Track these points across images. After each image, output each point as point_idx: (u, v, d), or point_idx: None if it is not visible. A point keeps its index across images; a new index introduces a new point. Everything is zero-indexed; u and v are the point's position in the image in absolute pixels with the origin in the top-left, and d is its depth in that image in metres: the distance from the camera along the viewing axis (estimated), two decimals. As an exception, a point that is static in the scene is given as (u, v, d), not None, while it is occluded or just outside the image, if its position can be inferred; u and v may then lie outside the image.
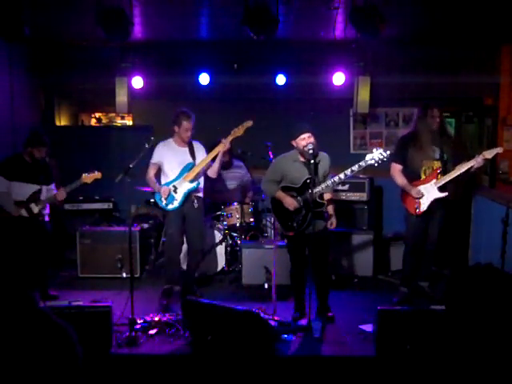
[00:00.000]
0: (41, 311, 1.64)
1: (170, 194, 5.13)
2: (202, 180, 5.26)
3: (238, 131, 5.06)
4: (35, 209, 4.98)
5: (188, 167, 5.16)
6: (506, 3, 4.85)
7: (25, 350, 1.54)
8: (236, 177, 6.51)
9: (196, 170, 5.12)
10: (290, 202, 4.54)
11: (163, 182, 5.20)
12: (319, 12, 5.17)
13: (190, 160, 5.20)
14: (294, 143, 4.51)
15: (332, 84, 6.56)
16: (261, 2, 4.44)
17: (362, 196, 6.13)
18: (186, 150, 5.22)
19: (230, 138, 5.07)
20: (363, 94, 6.41)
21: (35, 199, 4.99)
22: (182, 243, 5.40)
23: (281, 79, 6.59)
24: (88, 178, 5.04)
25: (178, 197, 5.14)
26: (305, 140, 4.39)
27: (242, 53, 6.38)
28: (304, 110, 6.62)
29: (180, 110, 5.13)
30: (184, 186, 5.14)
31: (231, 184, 6.50)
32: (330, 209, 4.64)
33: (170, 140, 5.24)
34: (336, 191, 5.96)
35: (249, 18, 4.48)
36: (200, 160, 5.19)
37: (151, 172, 5.21)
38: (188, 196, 5.14)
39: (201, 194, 5.27)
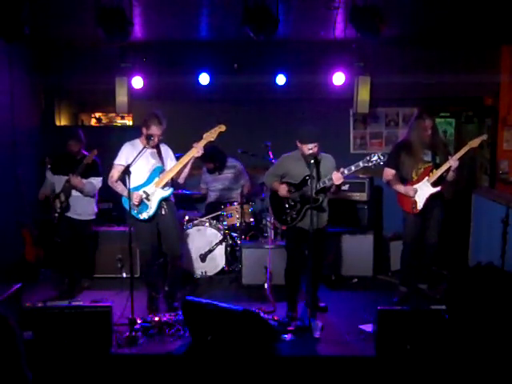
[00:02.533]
0: None
1: (142, 202, 4.80)
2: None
3: (211, 135, 4.75)
4: (62, 197, 5.42)
5: (157, 172, 4.84)
6: (506, 3, 4.85)
7: None
8: (228, 177, 6.53)
9: (167, 176, 4.81)
10: (283, 190, 4.64)
11: (130, 185, 4.69)
12: (319, 12, 5.16)
13: (159, 163, 4.88)
14: (298, 144, 4.60)
15: (332, 84, 6.55)
16: (261, 2, 4.43)
17: (362, 196, 6.13)
18: (154, 152, 4.88)
19: (202, 143, 4.73)
20: (363, 94, 6.41)
21: (64, 189, 5.42)
22: (158, 254, 5.09)
23: (281, 79, 6.59)
24: (88, 159, 5.30)
25: (152, 205, 4.81)
26: (311, 149, 4.49)
27: (242, 53, 6.38)
28: (304, 110, 6.62)
29: (153, 113, 4.78)
30: (157, 194, 4.81)
31: (224, 185, 6.52)
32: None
33: (137, 141, 4.89)
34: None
35: (249, 18, 4.47)
36: (169, 164, 4.92)
37: (116, 175, 4.79)
38: (160, 203, 4.85)
39: (172, 198, 4.97)
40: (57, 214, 5.45)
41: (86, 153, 5.50)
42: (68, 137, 5.50)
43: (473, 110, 7.55)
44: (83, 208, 5.53)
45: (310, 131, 4.57)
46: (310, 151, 4.48)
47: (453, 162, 4.83)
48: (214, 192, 6.60)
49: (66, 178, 5.40)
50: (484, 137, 4.91)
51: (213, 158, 6.39)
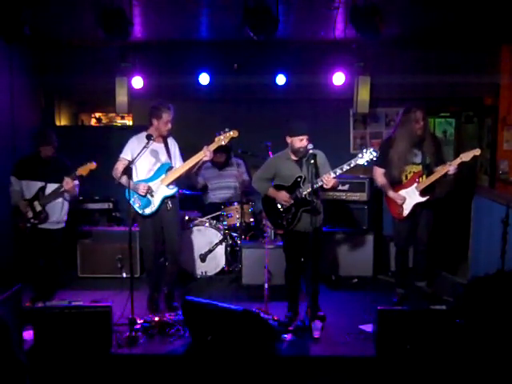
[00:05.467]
0: None
1: (146, 197, 4.81)
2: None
3: (222, 140, 4.75)
4: (38, 207, 5.07)
5: (165, 168, 4.83)
6: (506, 3, 4.84)
7: None
8: (233, 175, 6.52)
9: (174, 175, 4.81)
10: (284, 198, 4.57)
11: (134, 179, 4.77)
12: (319, 12, 5.17)
13: (167, 159, 4.87)
14: (288, 139, 4.55)
15: (332, 84, 6.56)
16: (261, 2, 4.43)
17: (362, 196, 6.12)
18: (162, 146, 4.88)
19: (213, 147, 4.73)
20: (363, 94, 6.42)
21: (38, 197, 5.08)
22: (161, 252, 5.11)
23: (281, 79, 6.59)
24: (83, 170, 4.96)
25: (155, 201, 4.81)
26: (302, 142, 4.45)
27: (242, 53, 6.38)
28: (304, 110, 6.62)
29: (158, 102, 4.80)
30: (162, 191, 4.82)
31: (228, 182, 6.51)
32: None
33: (145, 134, 4.74)
34: (336, 191, 5.96)
35: (249, 18, 4.48)
36: (177, 161, 4.92)
37: (120, 167, 4.76)
38: (164, 200, 4.86)
39: (176, 195, 4.98)
40: (29, 225, 5.04)
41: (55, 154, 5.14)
42: (38, 142, 5.04)
43: (473, 110, 7.55)
44: (58, 216, 5.18)
45: (299, 123, 4.54)
46: (300, 144, 4.44)
47: (451, 168, 4.72)
48: (215, 191, 6.58)
49: (39, 183, 5.06)
50: (477, 152, 4.77)
51: (226, 149, 6.24)
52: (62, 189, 5.02)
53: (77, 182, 5.15)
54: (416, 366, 3.71)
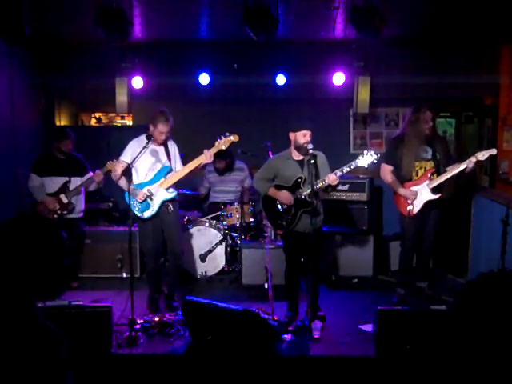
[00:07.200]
0: (40, 322, 1.62)
1: (145, 200, 4.80)
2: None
3: (222, 144, 4.73)
4: (64, 199, 5.47)
5: (164, 171, 4.82)
6: (506, 3, 4.84)
7: (17, 361, 1.51)
8: (237, 180, 6.51)
9: (174, 179, 4.79)
10: (286, 197, 4.55)
11: (134, 181, 4.76)
12: (319, 12, 5.16)
13: (166, 162, 4.84)
14: (292, 136, 4.53)
15: (332, 84, 6.55)
16: (261, 2, 4.43)
17: (362, 196, 6.12)
18: (162, 149, 4.85)
19: (213, 151, 4.71)
20: (363, 94, 6.41)
21: (64, 190, 5.47)
22: (162, 253, 5.13)
23: (281, 79, 6.58)
24: (110, 165, 5.29)
25: (155, 205, 4.81)
26: (306, 137, 4.43)
27: (242, 53, 6.37)
28: (304, 110, 6.62)
29: (159, 110, 4.75)
30: (161, 194, 4.80)
31: (232, 187, 6.50)
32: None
33: (144, 137, 4.74)
34: (336, 191, 5.96)
35: (249, 18, 4.47)
36: (177, 164, 4.90)
37: (119, 170, 4.77)
38: (163, 203, 4.85)
39: (176, 197, 4.96)
40: (56, 216, 5.40)
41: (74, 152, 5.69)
42: (57, 137, 5.64)
43: (473, 110, 7.54)
44: (80, 205, 5.65)
45: (301, 119, 4.54)
46: (304, 139, 4.41)
47: (470, 165, 4.68)
48: (217, 193, 6.58)
49: (63, 178, 5.49)
50: (493, 151, 4.76)
51: (225, 155, 6.21)
52: (92, 180, 5.48)
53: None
54: (416, 366, 3.71)
